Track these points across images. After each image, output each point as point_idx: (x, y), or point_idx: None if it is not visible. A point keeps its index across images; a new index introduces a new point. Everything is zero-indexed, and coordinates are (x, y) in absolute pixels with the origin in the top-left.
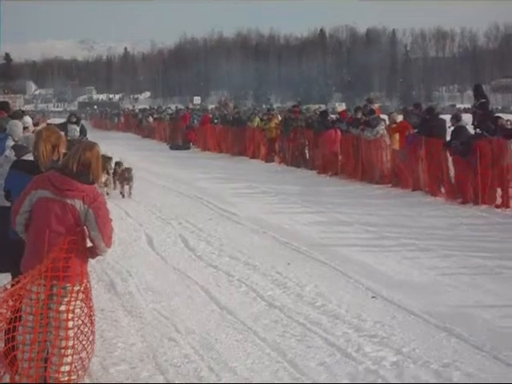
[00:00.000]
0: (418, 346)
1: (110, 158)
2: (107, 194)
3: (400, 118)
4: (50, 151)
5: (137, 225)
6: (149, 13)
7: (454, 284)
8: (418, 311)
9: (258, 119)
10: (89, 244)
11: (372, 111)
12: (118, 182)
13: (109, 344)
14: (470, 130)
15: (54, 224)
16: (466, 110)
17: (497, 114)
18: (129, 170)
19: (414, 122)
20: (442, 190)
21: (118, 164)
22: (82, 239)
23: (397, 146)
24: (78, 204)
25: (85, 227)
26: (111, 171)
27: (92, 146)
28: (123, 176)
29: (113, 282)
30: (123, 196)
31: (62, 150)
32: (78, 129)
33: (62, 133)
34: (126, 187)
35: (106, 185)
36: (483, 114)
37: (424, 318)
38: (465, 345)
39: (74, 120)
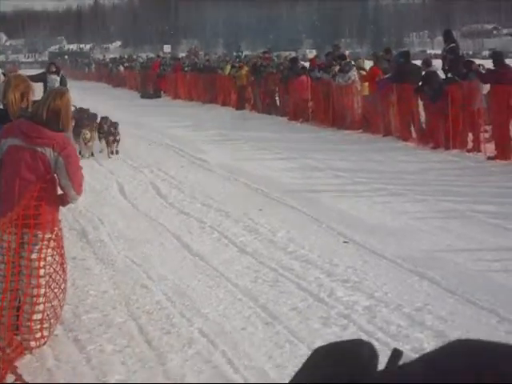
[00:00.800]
0: (390, 290)
1: (94, 115)
2: (92, 154)
3: (367, 63)
4: (19, 99)
5: (108, 173)
6: None
7: (425, 228)
8: (389, 256)
9: (229, 67)
10: (60, 192)
11: (343, 57)
12: (104, 140)
13: (81, 292)
14: (441, 75)
15: (24, 172)
16: (436, 56)
17: (468, 59)
18: (115, 124)
19: (384, 67)
20: (413, 135)
21: (104, 119)
22: (52, 187)
23: (367, 92)
24: (48, 151)
25: (55, 175)
26: (95, 128)
27: (62, 93)
28: (109, 132)
29: (84, 230)
30: (110, 155)
31: (31, 97)
32: (58, 79)
33: (41, 83)
34: (113, 145)
35: (88, 141)
36: (454, 58)
37: (396, 263)
38: (437, 288)
39: (54, 70)
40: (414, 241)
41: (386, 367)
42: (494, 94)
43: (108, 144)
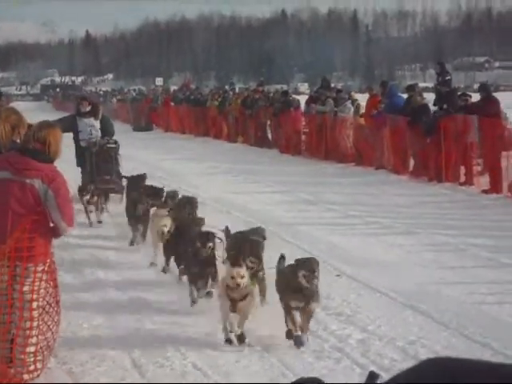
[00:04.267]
0: (383, 323)
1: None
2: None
3: (359, 96)
4: (10, 132)
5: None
6: None
7: (418, 261)
8: (383, 289)
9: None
10: (51, 224)
11: (339, 90)
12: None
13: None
14: (432, 109)
15: (15, 205)
16: (427, 90)
17: (463, 92)
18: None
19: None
20: (408, 167)
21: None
22: (44, 219)
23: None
24: (37, 183)
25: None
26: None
27: (48, 123)
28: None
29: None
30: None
31: (23, 131)
32: (96, 124)
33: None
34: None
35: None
36: (449, 91)
37: (389, 296)
38: (430, 322)
39: (88, 109)
40: (407, 274)
41: None
42: (483, 127)
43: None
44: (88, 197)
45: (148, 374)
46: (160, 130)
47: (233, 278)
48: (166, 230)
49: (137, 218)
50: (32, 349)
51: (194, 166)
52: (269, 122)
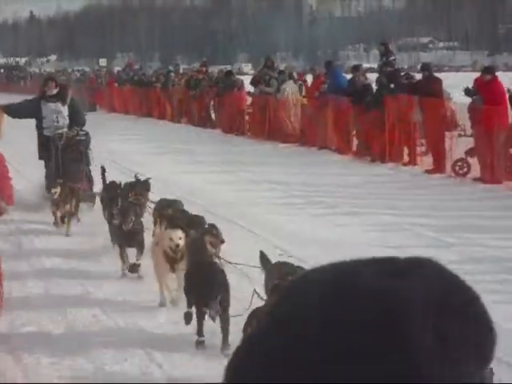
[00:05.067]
0: None
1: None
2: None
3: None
4: None
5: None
6: None
7: (363, 241)
8: None
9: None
10: None
11: (281, 71)
12: None
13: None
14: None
15: None
16: (371, 70)
17: (407, 72)
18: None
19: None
20: (351, 148)
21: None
22: None
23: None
24: None
25: None
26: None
27: None
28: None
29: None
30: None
31: None
32: (64, 110)
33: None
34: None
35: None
36: (393, 70)
37: None
38: None
39: (54, 92)
40: (351, 254)
41: None
42: (426, 107)
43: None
44: (56, 196)
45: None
46: (103, 110)
47: (171, 240)
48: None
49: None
50: None
51: (138, 147)
52: (212, 103)
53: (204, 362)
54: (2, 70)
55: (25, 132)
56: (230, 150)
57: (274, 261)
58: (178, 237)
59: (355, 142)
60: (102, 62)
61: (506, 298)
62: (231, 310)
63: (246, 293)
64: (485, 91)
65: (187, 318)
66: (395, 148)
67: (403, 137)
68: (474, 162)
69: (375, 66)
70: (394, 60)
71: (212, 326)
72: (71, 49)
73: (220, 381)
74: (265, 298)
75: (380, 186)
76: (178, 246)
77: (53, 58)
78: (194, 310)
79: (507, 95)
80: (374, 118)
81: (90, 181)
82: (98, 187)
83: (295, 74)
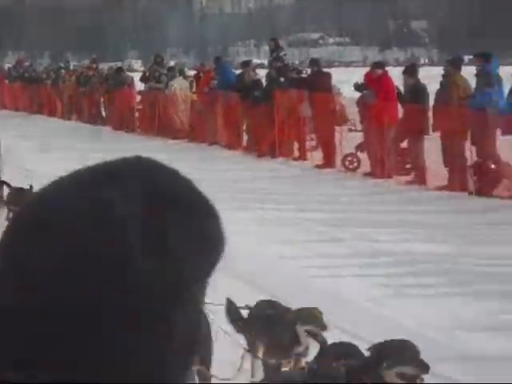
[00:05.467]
0: (213, 293)
1: None
2: None
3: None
4: None
5: None
6: None
7: (253, 236)
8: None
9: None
10: None
11: (171, 67)
12: None
13: None
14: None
15: None
16: (261, 66)
17: (296, 67)
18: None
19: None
20: (241, 143)
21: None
22: None
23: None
24: None
25: None
26: None
27: None
28: None
29: None
30: None
31: None
32: None
33: None
34: None
35: None
36: (283, 65)
37: (224, 271)
38: (265, 296)
39: None
40: (238, 247)
41: None
42: (315, 102)
43: None
44: None
45: None
46: None
47: None
48: None
49: None
50: None
51: (27, 144)
52: (102, 100)
53: None
54: None
55: None
56: (119, 147)
57: None
58: None
59: (245, 137)
60: None
61: (395, 292)
62: None
63: None
64: (375, 86)
65: None
66: (285, 143)
67: (293, 131)
68: (363, 156)
69: (266, 62)
70: (284, 55)
71: None
72: None
73: None
74: None
75: (270, 181)
76: None
77: None
78: None
79: (396, 91)
80: (264, 112)
81: None
82: None
83: (187, 70)
